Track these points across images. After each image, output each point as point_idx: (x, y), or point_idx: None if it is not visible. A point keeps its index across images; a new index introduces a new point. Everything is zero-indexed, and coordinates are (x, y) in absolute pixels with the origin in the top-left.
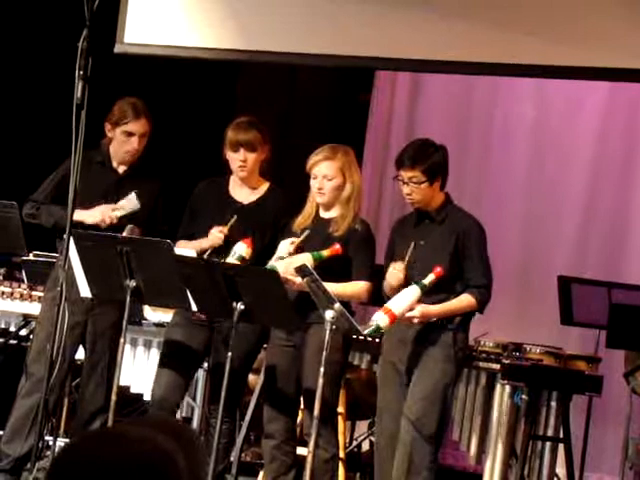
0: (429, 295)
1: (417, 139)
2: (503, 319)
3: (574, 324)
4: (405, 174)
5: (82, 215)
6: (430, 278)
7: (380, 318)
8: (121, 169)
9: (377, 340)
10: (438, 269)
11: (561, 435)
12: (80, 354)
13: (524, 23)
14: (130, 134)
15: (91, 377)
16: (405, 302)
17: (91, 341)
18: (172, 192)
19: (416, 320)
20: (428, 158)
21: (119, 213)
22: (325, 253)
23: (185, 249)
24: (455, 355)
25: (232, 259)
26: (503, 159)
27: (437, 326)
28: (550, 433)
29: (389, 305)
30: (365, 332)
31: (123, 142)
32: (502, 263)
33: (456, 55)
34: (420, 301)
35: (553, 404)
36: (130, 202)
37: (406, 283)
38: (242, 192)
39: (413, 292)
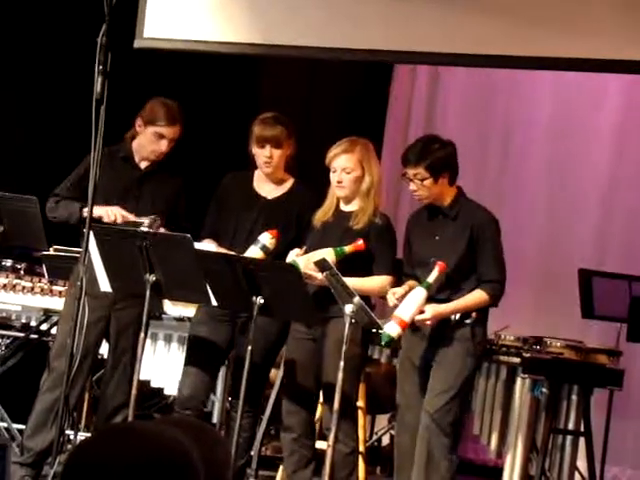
0: (444, 291)
1: (423, 136)
2: (524, 313)
3: (595, 317)
4: (410, 171)
5: (97, 211)
6: (434, 275)
7: (391, 328)
8: (143, 165)
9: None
10: (440, 264)
11: (582, 429)
12: (104, 349)
13: (543, 15)
14: (161, 136)
15: (114, 372)
16: (413, 306)
17: (115, 336)
18: (196, 188)
19: (428, 322)
20: (431, 155)
21: (131, 218)
22: (347, 249)
23: (205, 244)
24: (474, 349)
25: (255, 248)
26: (523, 152)
27: (455, 322)
28: (571, 427)
29: (398, 312)
30: (382, 344)
31: (152, 142)
32: (523, 257)
33: (474, 48)
34: (429, 301)
35: (574, 397)
36: (140, 220)
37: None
38: (267, 187)
39: (420, 294)
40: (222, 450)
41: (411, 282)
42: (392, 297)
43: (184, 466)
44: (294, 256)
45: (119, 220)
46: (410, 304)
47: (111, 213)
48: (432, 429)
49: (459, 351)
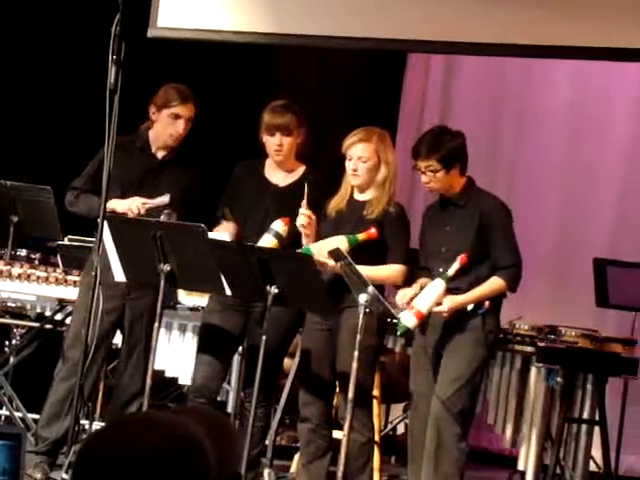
0: (456, 279)
1: (433, 127)
2: (538, 302)
3: (610, 306)
4: (421, 164)
5: (114, 203)
6: (454, 268)
7: (408, 319)
8: (160, 154)
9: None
10: (462, 257)
11: (597, 417)
12: (118, 339)
13: (559, 4)
14: (177, 117)
15: (128, 362)
16: (431, 298)
17: (128, 326)
18: (209, 176)
19: (445, 314)
20: (443, 146)
21: (148, 206)
22: (360, 237)
23: (219, 233)
24: (485, 339)
25: (269, 235)
26: (537, 142)
27: (466, 311)
28: (586, 416)
29: (415, 303)
30: (398, 334)
31: (169, 125)
32: (538, 246)
33: (488, 37)
34: (447, 293)
35: (589, 386)
36: (162, 202)
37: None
38: (278, 175)
39: (438, 287)
40: (233, 438)
41: (422, 281)
42: (402, 298)
43: (196, 456)
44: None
45: (142, 212)
46: (428, 296)
47: (134, 207)
48: (442, 417)
49: (469, 341)
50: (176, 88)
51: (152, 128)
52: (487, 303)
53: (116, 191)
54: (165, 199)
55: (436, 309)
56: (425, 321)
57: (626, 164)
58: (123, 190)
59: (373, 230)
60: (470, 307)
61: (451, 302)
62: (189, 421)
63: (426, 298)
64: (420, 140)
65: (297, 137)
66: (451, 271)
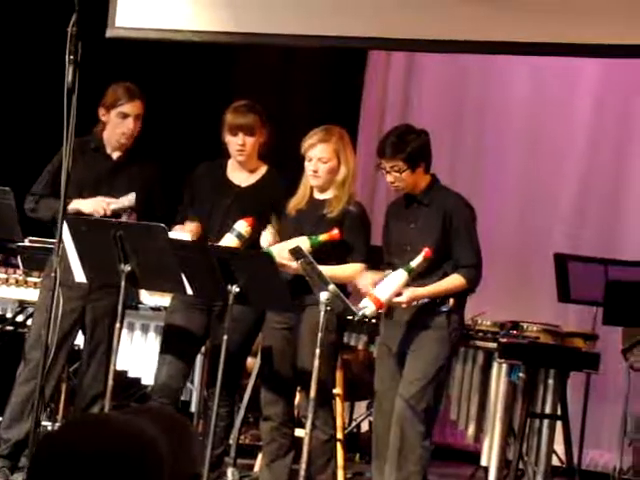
0: (420, 277)
1: (398, 126)
2: (500, 297)
3: (571, 301)
4: (387, 163)
5: (78, 204)
6: (418, 260)
7: (366, 306)
8: (115, 155)
9: (374, 321)
10: (426, 250)
11: (559, 412)
12: (79, 340)
13: (515, 1)
14: (125, 115)
15: (91, 362)
16: (392, 287)
17: (90, 327)
18: (169, 177)
19: (404, 305)
20: (408, 146)
21: (113, 206)
22: (322, 237)
23: (179, 232)
24: (449, 337)
25: (231, 236)
26: (498, 140)
27: (431, 309)
28: (548, 411)
29: (375, 292)
30: (356, 318)
31: (118, 124)
32: (499, 242)
33: (449, 34)
34: (408, 285)
35: (550, 382)
36: (129, 202)
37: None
38: (240, 175)
39: (400, 277)
40: (193, 442)
41: (388, 272)
42: (365, 284)
43: (149, 456)
44: (269, 235)
45: (108, 212)
46: (390, 285)
47: (99, 208)
48: (406, 416)
49: (434, 339)
50: (123, 86)
51: (105, 130)
52: (451, 301)
53: (73, 193)
54: (129, 199)
55: (396, 299)
56: (385, 309)
57: (584, 159)
58: (81, 192)
59: (336, 231)
60: (436, 301)
61: (411, 293)
62: (144, 421)
63: (386, 287)
64: (385, 139)
65: (259, 137)
66: (414, 263)
